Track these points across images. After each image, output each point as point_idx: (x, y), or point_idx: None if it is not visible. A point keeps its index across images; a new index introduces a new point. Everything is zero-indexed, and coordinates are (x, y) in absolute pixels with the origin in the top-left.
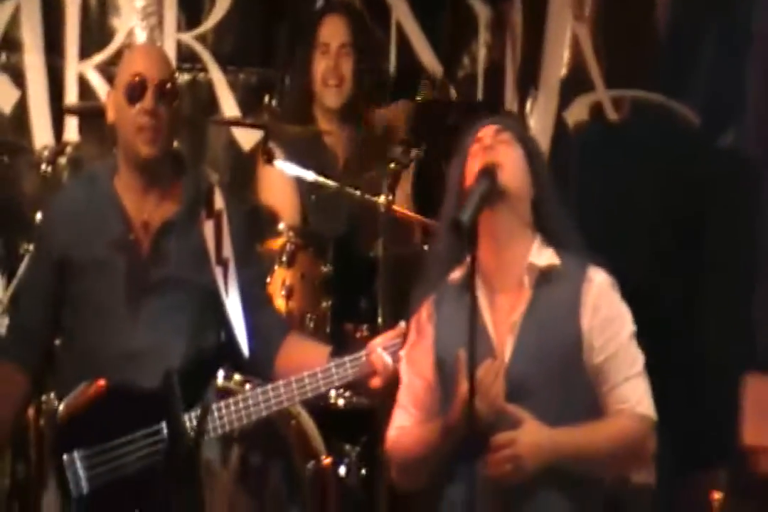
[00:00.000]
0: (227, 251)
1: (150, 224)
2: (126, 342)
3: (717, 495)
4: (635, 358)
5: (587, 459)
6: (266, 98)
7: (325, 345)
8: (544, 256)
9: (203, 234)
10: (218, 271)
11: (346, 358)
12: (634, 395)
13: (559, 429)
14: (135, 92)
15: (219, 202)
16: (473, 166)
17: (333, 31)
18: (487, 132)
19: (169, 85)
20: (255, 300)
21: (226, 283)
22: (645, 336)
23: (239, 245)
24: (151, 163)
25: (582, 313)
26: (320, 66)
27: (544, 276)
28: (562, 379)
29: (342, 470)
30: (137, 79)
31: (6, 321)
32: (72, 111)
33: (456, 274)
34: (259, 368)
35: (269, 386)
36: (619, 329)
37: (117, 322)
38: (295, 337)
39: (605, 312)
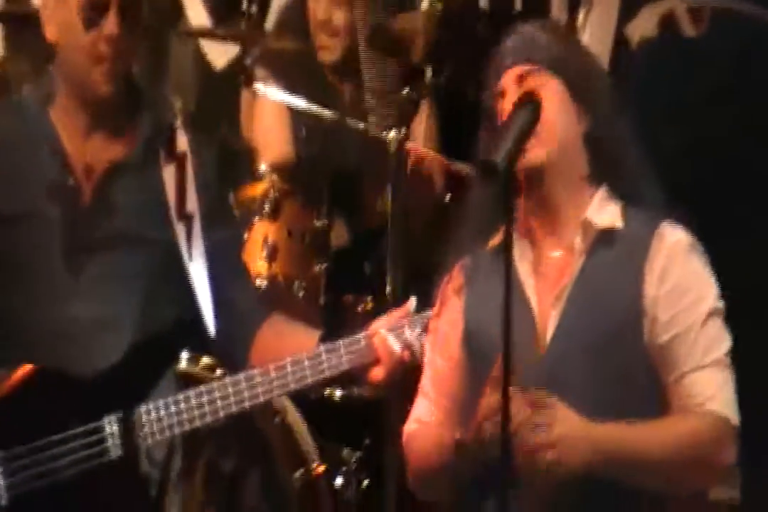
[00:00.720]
0: (192, 204)
1: (94, 167)
2: (61, 313)
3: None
4: (715, 341)
5: (638, 465)
6: (245, 3)
7: (316, 329)
8: (606, 214)
9: (162, 181)
10: (180, 228)
11: (341, 342)
12: (708, 388)
13: (604, 424)
14: (94, 12)
15: (183, 141)
16: (508, 102)
17: None
18: (508, 80)
19: (136, 4)
20: (228, 268)
21: (189, 244)
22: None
23: (208, 196)
24: (106, 100)
25: (647, 280)
26: None
27: (603, 238)
28: (617, 364)
29: (338, 481)
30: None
31: None
32: None
33: (495, 236)
34: (231, 353)
35: (242, 375)
36: (696, 302)
37: (50, 288)
38: (277, 318)
39: (677, 280)
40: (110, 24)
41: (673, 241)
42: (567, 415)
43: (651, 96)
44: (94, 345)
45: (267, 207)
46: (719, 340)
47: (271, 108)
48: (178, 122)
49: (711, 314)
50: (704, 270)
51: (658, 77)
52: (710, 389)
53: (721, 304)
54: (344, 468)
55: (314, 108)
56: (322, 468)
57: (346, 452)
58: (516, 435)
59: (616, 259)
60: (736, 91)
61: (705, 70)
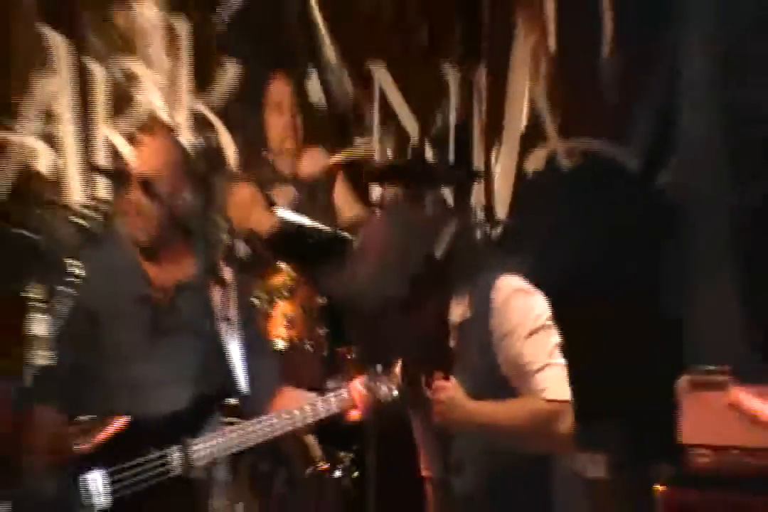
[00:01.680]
0: (232, 313)
1: (166, 285)
2: (143, 376)
3: (660, 487)
4: (546, 349)
5: (502, 429)
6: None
7: (312, 393)
8: (456, 313)
9: (211, 295)
10: (223, 326)
11: (331, 394)
12: (547, 382)
13: (477, 401)
14: (122, 184)
15: (227, 273)
16: None
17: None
18: None
19: (161, 184)
20: (257, 354)
21: (229, 336)
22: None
23: (243, 310)
24: (147, 245)
25: (493, 316)
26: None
27: (463, 320)
28: (486, 367)
29: (337, 473)
30: (128, 176)
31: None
32: (101, 171)
33: None
34: (255, 408)
35: (264, 417)
36: (523, 326)
37: (136, 358)
38: (288, 387)
39: (509, 314)
40: (132, 192)
41: (504, 287)
42: (456, 389)
43: (539, 210)
44: (165, 398)
45: (285, 291)
46: (548, 348)
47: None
48: (223, 263)
49: (537, 331)
50: (529, 301)
51: (546, 196)
52: (549, 382)
53: (541, 323)
54: (341, 465)
55: (314, 224)
56: (326, 466)
57: (342, 454)
58: (431, 396)
59: (475, 318)
60: (595, 204)
61: (575, 191)
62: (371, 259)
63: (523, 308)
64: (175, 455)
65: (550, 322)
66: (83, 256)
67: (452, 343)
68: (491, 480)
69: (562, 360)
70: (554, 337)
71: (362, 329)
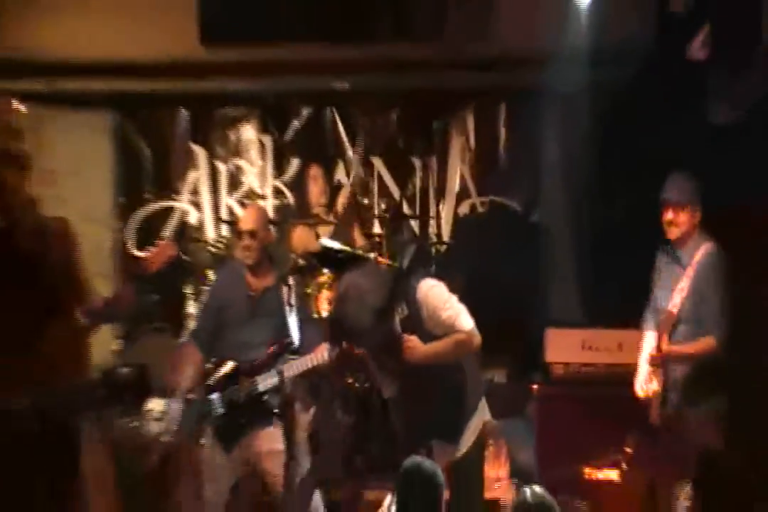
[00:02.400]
0: (293, 301)
1: (258, 289)
2: (243, 339)
3: (535, 386)
4: (454, 307)
5: (441, 354)
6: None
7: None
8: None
9: (282, 293)
10: (287, 309)
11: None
12: (461, 322)
13: (426, 344)
14: (236, 229)
15: (291, 279)
16: None
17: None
18: None
19: (258, 232)
20: (306, 324)
21: (291, 315)
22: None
23: (299, 299)
24: (250, 265)
25: (420, 306)
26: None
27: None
28: (423, 334)
29: (357, 384)
30: (239, 228)
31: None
32: (224, 222)
33: None
34: (304, 353)
35: (308, 356)
36: (440, 302)
37: (239, 329)
38: (324, 343)
39: (429, 301)
40: (244, 239)
41: (424, 287)
42: (415, 340)
43: (465, 236)
44: (256, 351)
45: (327, 285)
46: (454, 312)
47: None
48: (289, 276)
49: (445, 304)
50: (439, 291)
51: (468, 233)
52: (459, 324)
53: (447, 297)
54: (356, 381)
55: (343, 247)
56: (351, 380)
57: (355, 376)
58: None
59: (410, 313)
60: (493, 232)
61: (485, 225)
62: (350, 295)
63: (436, 293)
64: (262, 378)
65: (449, 294)
66: (215, 270)
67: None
68: (428, 386)
69: (464, 308)
70: (455, 299)
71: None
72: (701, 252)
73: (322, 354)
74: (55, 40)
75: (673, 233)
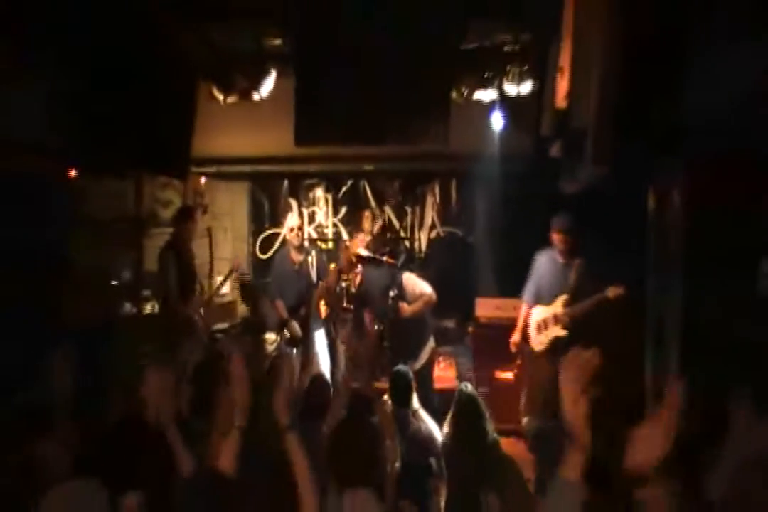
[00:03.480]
0: (321, 273)
1: (298, 264)
2: (288, 295)
3: (471, 328)
4: (426, 288)
5: (417, 311)
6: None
7: None
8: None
9: (311, 264)
10: (313, 273)
11: None
12: (423, 289)
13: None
14: (289, 230)
15: (320, 260)
16: None
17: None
18: None
19: (298, 227)
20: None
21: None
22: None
23: (321, 270)
24: (296, 248)
25: (405, 288)
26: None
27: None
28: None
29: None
30: (289, 224)
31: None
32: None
33: None
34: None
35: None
36: (413, 284)
37: (290, 290)
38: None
39: (408, 283)
40: (293, 232)
41: (405, 276)
42: (404, 305)
43: (435, 252)
44: (297, 303)
45: (358, 276)
46: (420, 286)
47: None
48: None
49: (421, 288)
50: (414, 279)
51: (435, 248)
52: (424, 290)
53: (422, 285)
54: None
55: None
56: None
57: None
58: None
59: (399, 292)
60: (447, 252)
61: (442, 247)
62: (370, 280)
63: (412, 279)
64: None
65: (419, 279)
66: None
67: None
68: (407, 328)
69: (426, 283)
70: (421, 281)
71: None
72: (576, 262)
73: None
74: (217, 142)
75: (561, 246)
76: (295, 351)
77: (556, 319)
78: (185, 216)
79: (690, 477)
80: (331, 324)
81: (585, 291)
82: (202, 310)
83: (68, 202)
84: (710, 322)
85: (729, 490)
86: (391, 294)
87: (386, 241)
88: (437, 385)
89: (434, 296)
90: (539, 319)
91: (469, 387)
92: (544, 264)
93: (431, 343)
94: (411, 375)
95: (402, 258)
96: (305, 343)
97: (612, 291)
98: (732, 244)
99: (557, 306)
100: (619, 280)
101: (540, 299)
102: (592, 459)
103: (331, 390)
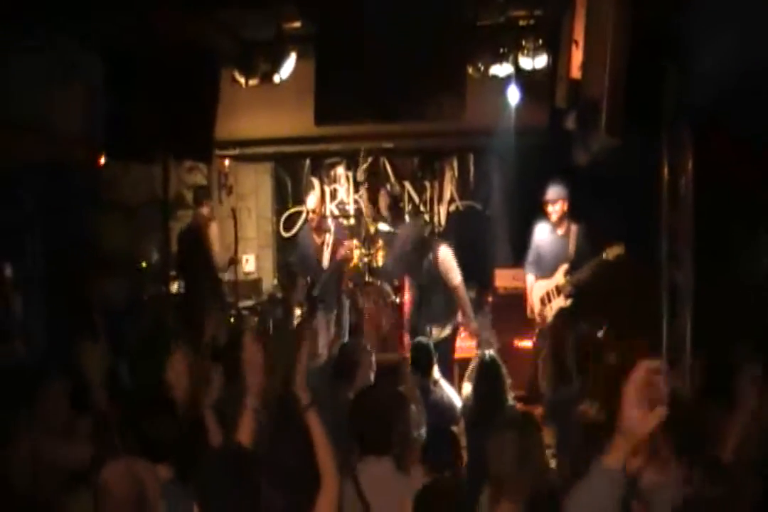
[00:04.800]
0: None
1: (319, 244)
2: (311, 266)
3: (490, 298)
4: (458, 273)
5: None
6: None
7: None
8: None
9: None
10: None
11: None
12: (456, 278)
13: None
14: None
15: (330, 239)
16: None
17: None
18: None
19: (316, 209)
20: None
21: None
22: None
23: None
24: (315, 229)
25: (440, 261)
26: None
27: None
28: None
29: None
30: (308, 207)
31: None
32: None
33: None
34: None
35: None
36: (450, 267)
37: (310, 262)
38: None
39: (444, 261)
40: (311, 214)
41: (442, 250)
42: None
43: (453, 224)
44: (320, 271)
45: (380, 249)
46: (455, 282)
47: None
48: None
49: (455, 270)
50: (452, 258)
51: (454, 221)
52: (455, 284)
53: (455, 262)
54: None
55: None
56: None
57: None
58: None
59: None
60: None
61: (461, 219)
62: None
63: (451, 268)
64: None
65: (457, 270)
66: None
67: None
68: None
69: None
70: (458, 272)
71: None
72: (573, 229)
73: None
74: (240, 125)
75: (552, 217)
76: (324, 322)
77: (559, 290)
78: (200, 198)
79: (702, 447)
80: (354, 298)
81: (585, 258)
82: (226, 288)
83: (99, 188)
84: (723, 293)
85: (739, 459)
86: (426, 264)
87: (405, 214)
88: (458, 355)
89: (462, 287)
90: (542, 294)
91: (491, 354)
92: (542, 236)
93: (458, 315)
94: (432, 346)
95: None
96: (337, 315)
97: (610, 252)
98: (743, 215)
99: (558, 278)
100: (616, 242)
101: (541, 271)
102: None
103: (355, 359)
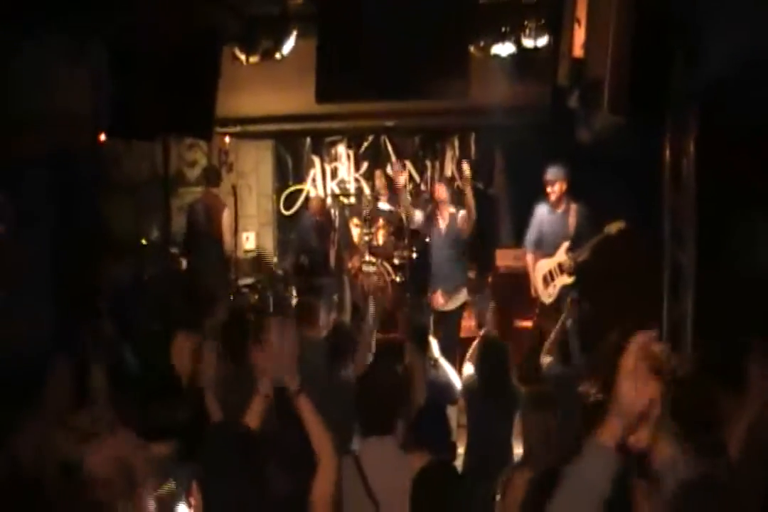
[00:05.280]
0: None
1: (321, 218)
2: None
3: (490, 278)
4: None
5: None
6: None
7: None
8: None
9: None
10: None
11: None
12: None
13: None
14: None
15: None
16: None
17: None
18: None
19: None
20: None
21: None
22: None
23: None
24: (316, 210)
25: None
26: None
27: None
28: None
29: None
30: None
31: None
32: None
33: None
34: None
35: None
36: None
37: (310, 238)
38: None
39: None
40: (316, 199)
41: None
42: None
43: None
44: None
45: (381, 227)
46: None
47: None
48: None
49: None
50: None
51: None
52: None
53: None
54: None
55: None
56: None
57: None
58: None
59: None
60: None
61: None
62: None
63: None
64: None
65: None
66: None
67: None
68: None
69: None
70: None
71: None
72: (572, 208)
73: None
74: (241, 102)
75: (551, 197)
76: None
77: (561, 268)
78: (212, 179)
79: (708, 433)
80: (352, 276)
81: (585, 235)
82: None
83: (102, 167)
84: (725, 272)
85: (745, 444)
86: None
87: (406, 192)
88: (463, 334)
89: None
90: (545, 272)
91: (492, 335)
92: (542, 215)
93: (465, 291)
94: (428, 325)
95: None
96: (339, 295)
97: (612, 227)
98: (746, 196)
99: (561, 255)
100: (617, 218)
101: (543, 250)
102: None
103: (353, 337)
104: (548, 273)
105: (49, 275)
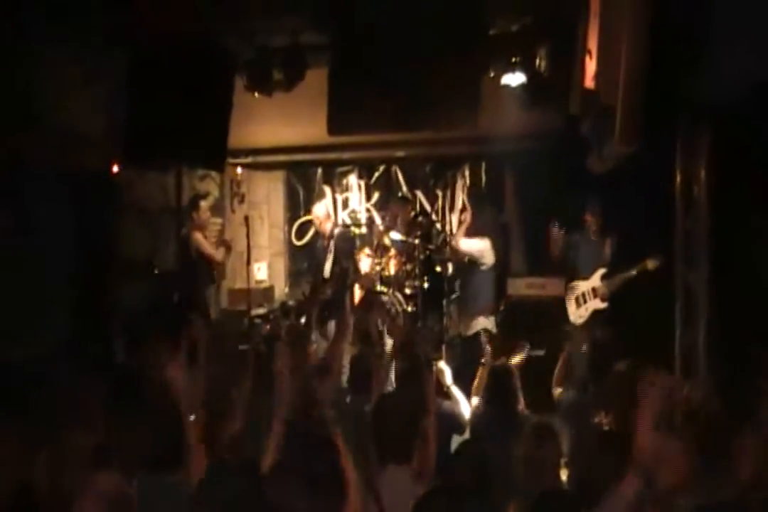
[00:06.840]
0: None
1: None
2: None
3: (503, 304)
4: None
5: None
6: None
7: None
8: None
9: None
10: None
11: None
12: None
13: None
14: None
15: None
16: None
17: None
18: None
19: (324, 218)
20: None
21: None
22: None
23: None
24: (326, 233)
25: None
26: None
27: None
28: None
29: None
30: (314, 214)
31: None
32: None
33: None
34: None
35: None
36: (484, 248)
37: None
38: None
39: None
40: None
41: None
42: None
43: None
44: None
45: (392, 258)
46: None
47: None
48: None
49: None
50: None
51: None
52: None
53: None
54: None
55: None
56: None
57: None
58: None
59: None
60: None
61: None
62: None
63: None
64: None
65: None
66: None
67: None
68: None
69: None
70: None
71: None
72: (608, 237)
73: None
74: (252, 133)
75: (593, 228)
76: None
77: (595, 292)
78: (192, 205)
79: (724, 454)
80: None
81: (619, 265)
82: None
83: (115, 195)
84: (739, 297)
85: (758, 467)
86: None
87: (418, 224)
88: None
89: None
90: (578, 293)
91: (504, 362)
92: (579, 241)
93: (484, 318)
94: (441, 354)
95: (438, 241)
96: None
97: (652, 263)
98: (759, 220)
99: (595, 280)
100: (656, 253)
101: (577, 273)
102: None
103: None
104: (581, 295)
105: (64, 293)
